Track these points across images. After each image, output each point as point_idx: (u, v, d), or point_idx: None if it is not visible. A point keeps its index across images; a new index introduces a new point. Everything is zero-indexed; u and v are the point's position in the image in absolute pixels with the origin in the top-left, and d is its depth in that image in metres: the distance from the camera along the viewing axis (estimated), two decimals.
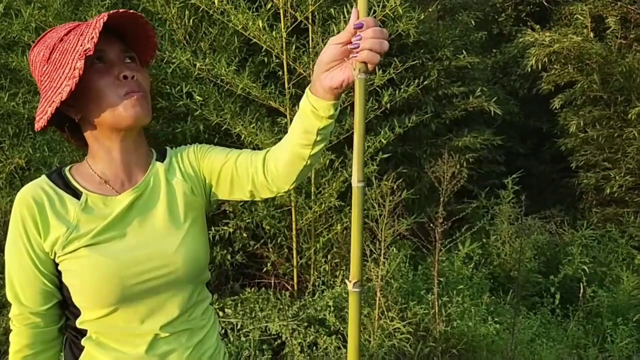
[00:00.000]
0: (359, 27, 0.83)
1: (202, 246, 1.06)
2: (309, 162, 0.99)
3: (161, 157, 1.10)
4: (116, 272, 0.95)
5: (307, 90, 0.95)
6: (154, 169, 1.07)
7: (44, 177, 1.02)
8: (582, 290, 4.28)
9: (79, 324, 0.99)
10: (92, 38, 0.89)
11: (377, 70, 3.56)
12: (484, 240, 4.71)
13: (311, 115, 0.93)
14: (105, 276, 0.94)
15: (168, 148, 1.14)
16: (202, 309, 1.08)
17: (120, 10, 0.92)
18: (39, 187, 0.99)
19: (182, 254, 1.00)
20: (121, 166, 1.03)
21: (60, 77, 0.92)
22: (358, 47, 0.83)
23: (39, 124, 0.98)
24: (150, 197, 1.04)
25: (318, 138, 0.95)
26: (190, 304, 1.04)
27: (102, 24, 0.89)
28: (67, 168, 1.05)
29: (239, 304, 3.37)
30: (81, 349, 1.00)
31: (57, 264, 0.98)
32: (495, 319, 3.52)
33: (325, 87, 0.90)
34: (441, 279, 3.54)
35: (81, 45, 0.90)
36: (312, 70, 3.51)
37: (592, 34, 6.58)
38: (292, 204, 3.67)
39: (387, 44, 0.82)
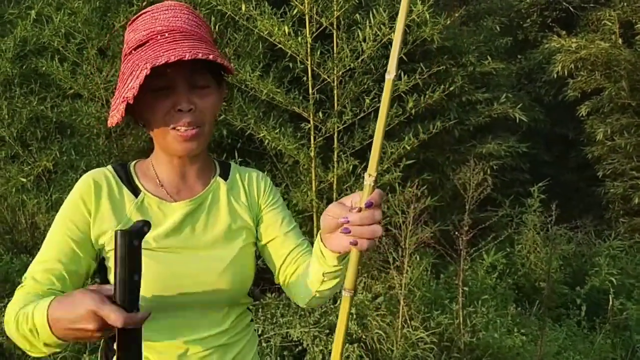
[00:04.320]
0: (369, 206, 0.76)
1: (249, 270, 1.05)
2: (317, 295, 1.00)
3: (224, 173, 1.09)
4: (162, 279, 0.95)
5: (320, 232, 0.92)
6: (215, 184, 1.06)
7: (109, 166, 1.03)
8: (610, 302, 4.16)
9: None
10: (133, 88, 0.87)
11: (402, 76, 3.54)
12: (509, 249, 4.62)
13: (319, 258, 0.93)
14: (151, 281, 0.93)
15: (232, 163, 1.13)
16: (239, 328, 1.06)
17: (173, 60, 0.86)
18: (102, 172, 1.00)
19: (228, 274, 1.00)
20: (179, 174, 1.03)
21: (127, 86, 0.91)
22: (349, 232, 0.79)
23: (112, 121, 0.94)
24: (207, 213, 1.03)
25: (325, 279, 0.95)
26: (226, 325, 1.02)
27: (144, 76, 0.86)
28: (133, 164, 1.05)
29: (260, 310, 3.36)
30: (114, 353, 0.99)
31: (102, 259, 0.98)
32: (521, 331, 3.44)
33: (328, 246, 0.89)
34: (465, 289, 3.48)
35: (137, 78, 0.87)
36: (336, 77, 3.53)
37: (620, 40, 6.44)
38: (314, 210, 3.66)
39: (380, 229, 0.77)
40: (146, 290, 0.93)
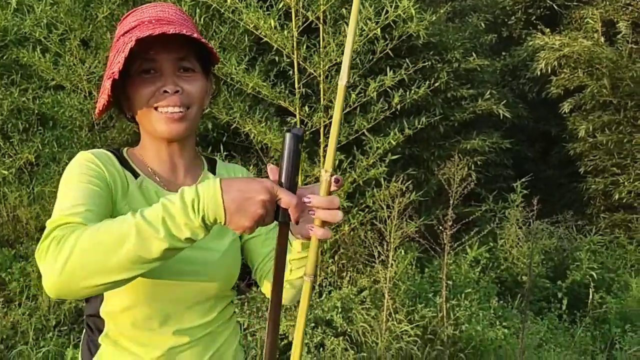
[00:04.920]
0: (336, 182, 0.80)
1: (237, 264, 1.07)
2: (287, 286, 1.00)
3: (212, 168, 1.11)
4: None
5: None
6: (204, 179, 1.06)
7: (103, 149, 1.02)
8: (590, 296, 4.24)
9: (102, 313, 0.97)
10: (119, 63, 0.89)
11: (387, 71, 3.55)
12: (492, 244, 4.68)
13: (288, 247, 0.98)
14: None
15: (217, 159, 1.16)
16: (223, 319, 1.07)
17: (156, 34, 0.88)
18: (101, 150, 0.99)
19: (220, 266, 1.02)
20: (169, 166, 1.04)
21: (113, 63, 0.94)
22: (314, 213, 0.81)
23: (99, 104, 0.97)
24: None
25: (292, 267, 0.98)
26: (211, 317, 1.03)
27: (128, 50, 0.87)
28: (125, 149, 1.05)
29: (246, 303, 3.36)
30: (97, 346, 0.99)
31: None
32: (504, 324, 3.49)
33: (293, 232, 0.93)
34: (449, 282, 3.52)
35: (121, 54, 0.90)
36: (322, 71, 3.53)
37: (602, 39, 6.54)
38: None
39: (341, 214, 0.80)
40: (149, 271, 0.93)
